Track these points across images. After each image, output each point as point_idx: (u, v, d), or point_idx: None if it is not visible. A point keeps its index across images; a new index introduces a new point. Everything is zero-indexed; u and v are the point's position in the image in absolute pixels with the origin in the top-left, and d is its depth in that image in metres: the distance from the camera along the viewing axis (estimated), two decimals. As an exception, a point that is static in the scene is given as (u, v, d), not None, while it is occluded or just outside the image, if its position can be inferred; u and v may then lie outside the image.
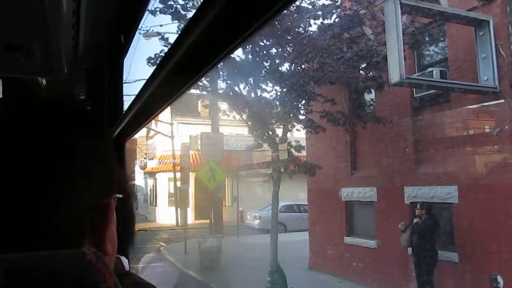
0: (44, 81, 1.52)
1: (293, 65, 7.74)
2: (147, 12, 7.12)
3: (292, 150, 7.96)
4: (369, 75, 7.12)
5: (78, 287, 0.37)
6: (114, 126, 1.03)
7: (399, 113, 7.91)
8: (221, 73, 8.15)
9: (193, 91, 8.72)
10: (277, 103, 8.20)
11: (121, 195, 0.54)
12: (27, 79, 1.41)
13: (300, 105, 7.88)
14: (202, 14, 0.42)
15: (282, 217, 13.72)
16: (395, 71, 5.51)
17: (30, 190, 0.42)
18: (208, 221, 14.99)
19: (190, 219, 18.07)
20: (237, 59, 7.95)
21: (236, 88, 8.37)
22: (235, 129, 19.31)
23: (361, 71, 7.25)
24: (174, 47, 0.53)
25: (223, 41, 0.44)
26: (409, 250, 7.44)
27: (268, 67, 7.87)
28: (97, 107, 1.35)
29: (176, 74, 0.57)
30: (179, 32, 0.52)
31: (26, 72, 1.25)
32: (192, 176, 15.90)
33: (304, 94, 7.60)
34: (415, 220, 6.83)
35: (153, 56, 8.00)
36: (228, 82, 8.41)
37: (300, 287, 8.65)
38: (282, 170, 8.22)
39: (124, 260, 0.64)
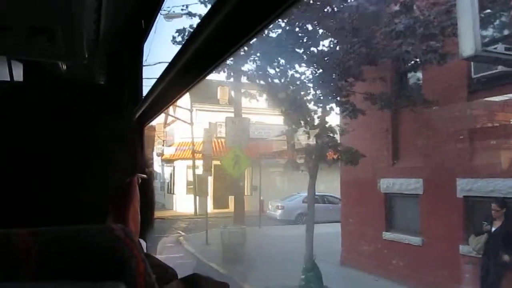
0: (64, 66, 1.55)
1: (335, 41, 6.95)
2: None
3: (335, 136, 7.18)
4: (428, 47, 6.26)
5: (107, 261, 0.38)
6: (134, 109, 1.07)
7: (453, 95, 7.06)
8: (251, 52, 7.46)
9: (213, 77, 8.14)
10: (314, 84, 7.43)
11: (144, 175, 0.55)
12: (48, 63, 1.41)
13: (340, 86, 7.03)
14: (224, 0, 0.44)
15: (305, 208, 13.06)
16: (469, 42, 4.68)
17: (54, 169, 0.44)
18: (226, 210, 14.56)
19: (209, 208, 17.64)
20: (269, 38, 7.22)
21: (269, 70, 7.62)
22: (255, 117, 18.66)
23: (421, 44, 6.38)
24: (194, 34, 0.56)
25: (244, 27, 0.46)
26: (461, 248, 6.73)
27: (304, 45, 7.11)
28: (117, 90, 1.35)
29: (196, 61, 0.61)
30: (200, 19, 0.55)
31: (49, 56, 1.28)
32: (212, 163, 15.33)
33: (346, 73, 6.79)
34: (495, 224, 5.97)
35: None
36: (258, 63, 7.70)
37: (334, 285, 7.99)
38: (318, 159, 7.47)
39: (142, 242, 0.64)
